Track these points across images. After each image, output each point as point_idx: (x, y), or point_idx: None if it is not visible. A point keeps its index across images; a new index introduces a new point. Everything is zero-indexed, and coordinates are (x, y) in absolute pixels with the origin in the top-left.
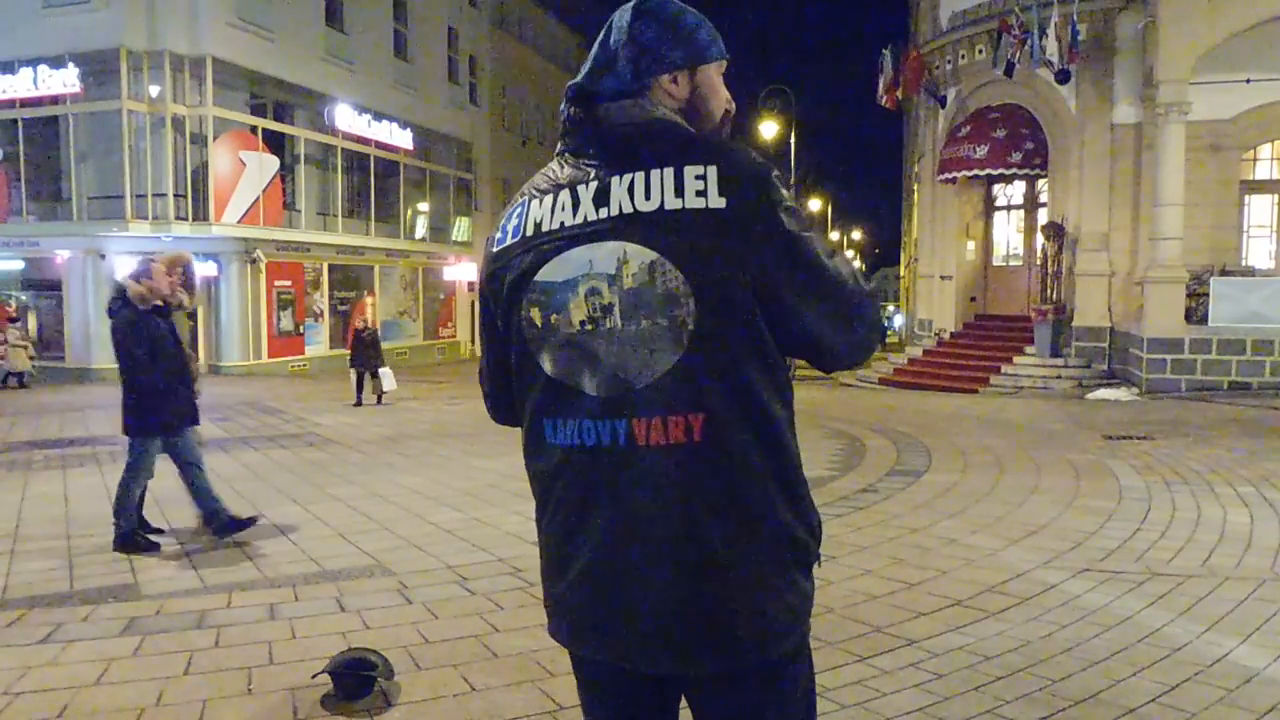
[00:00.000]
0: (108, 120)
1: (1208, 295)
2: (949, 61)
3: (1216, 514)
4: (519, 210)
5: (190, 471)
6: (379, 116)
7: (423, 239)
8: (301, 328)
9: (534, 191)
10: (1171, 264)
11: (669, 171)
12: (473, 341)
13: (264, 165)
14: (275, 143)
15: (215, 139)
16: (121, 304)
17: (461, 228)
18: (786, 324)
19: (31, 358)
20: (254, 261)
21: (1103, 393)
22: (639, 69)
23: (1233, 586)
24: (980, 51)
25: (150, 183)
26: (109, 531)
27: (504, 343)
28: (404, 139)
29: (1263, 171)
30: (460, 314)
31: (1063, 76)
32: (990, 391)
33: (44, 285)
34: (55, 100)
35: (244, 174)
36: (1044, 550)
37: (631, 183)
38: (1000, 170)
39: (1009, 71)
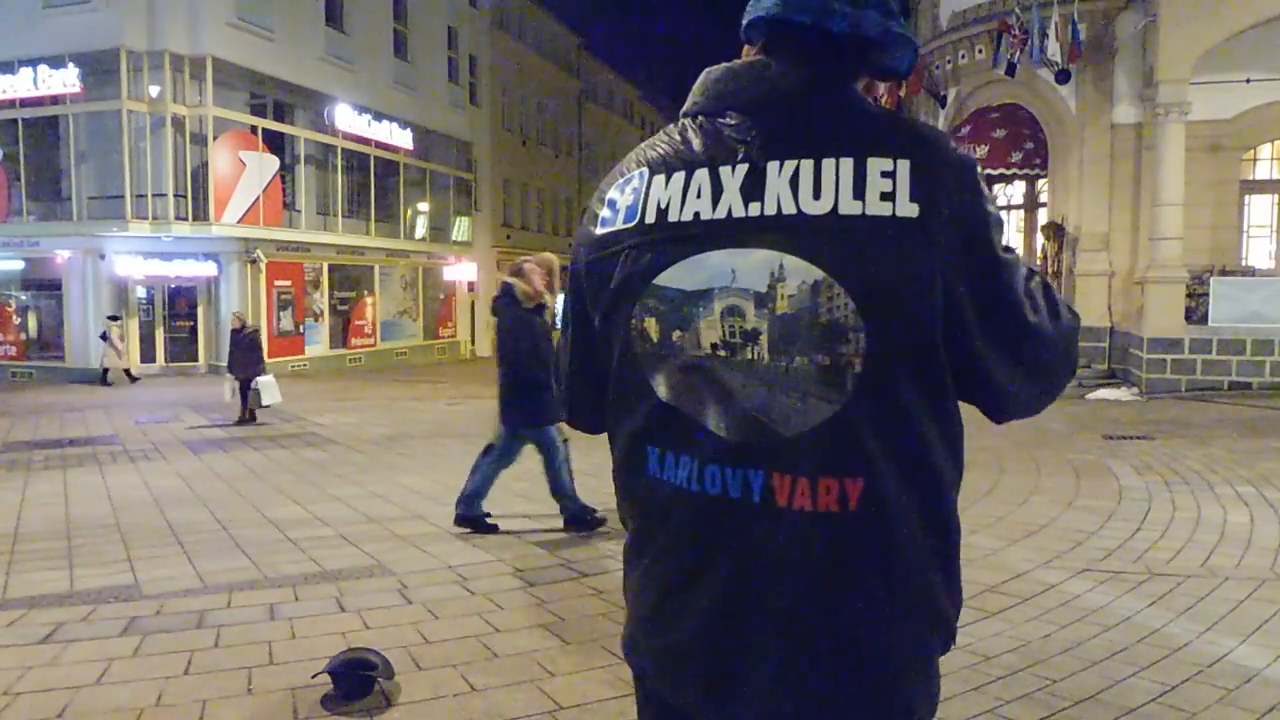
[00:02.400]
0: (108, 120)
1: (1208, 295)
2: (949, 61)
3: (1216, 514)
4: (634, 184)
5: (557, 464)
6: (379, 116)
7: (423, 239)
8: (301, 328)
9: (657, 163)
10: (1171, 264)
11: (847, 164)
12: (472, 341)
13: (264, 165)
14: (275, 143)
15: (215, 139)
16: (508, 301)
17: (461, 228)
18: (970, 367)
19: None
20: (254, 261)
21: (1103, 393)
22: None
23: (1233, 586)
24: (980, 51)
25: (150, 183)
26: (109, 531)
27: (597, 344)
28: (404, 139)
29: (1263, 171)
30: (460, 314)
31: (1063, 76)
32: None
33: (44, 285)
34: (55, 100)
35: (244, 174)
36: (1044, 550)
37: (796, 174)
38: (1000, 170)
39: (1010, 71)
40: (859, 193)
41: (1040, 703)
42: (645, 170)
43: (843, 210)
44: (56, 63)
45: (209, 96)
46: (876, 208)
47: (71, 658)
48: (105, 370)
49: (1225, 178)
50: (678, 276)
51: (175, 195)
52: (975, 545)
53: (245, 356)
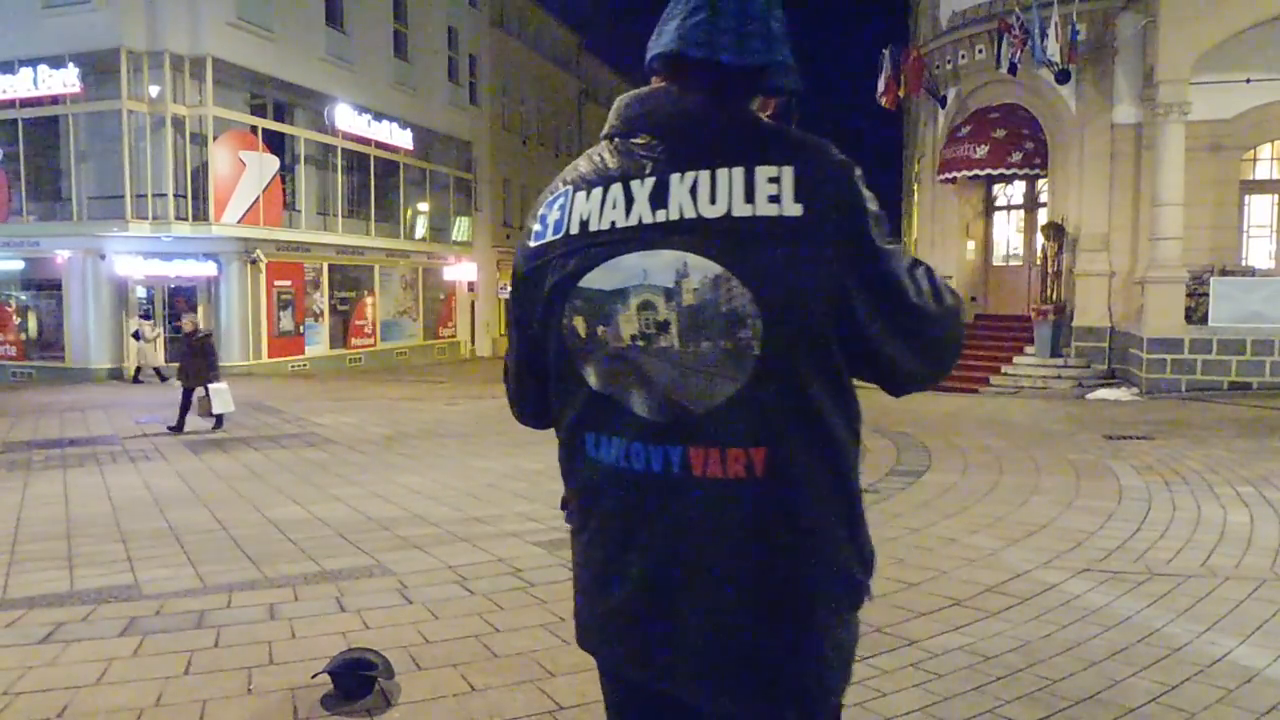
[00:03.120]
0: (108, 120)
1: (1208, 295)
2: (949, 61)
3: (1216, 514)
4: (560, 201)
5: None
6: (379, 116)
7: (423, 239)
8: (301, 328)
9: (579, 181)
10: (1171, 264)
11: (738, 172)
12: (472, 341)
13: (264, 165)
14: (275, 143)
15: (215, 139)
16: None
17: (461, 228)
18: (862, 349)
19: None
20: (254, 261)
21: (1103, 393)
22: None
23: (1233, 586)
24: (980, 51)
25: (150, 183)
26: (109, 531)
27: (538, 344)
28: (404, 139)
29: (1263, 171)
30: (460, 314)
31: (1063, 76)
32: (990, 391)
33: (44, 285)
34: (55, 100)
35: (244, 174)
36: (1044, 550)
37: (695, 183)
38: (1000, 170)
39: (1012, 70)
40: (749, 197)
41: (1040, 703)
42: (570, 188)
43: (736, 213)
44: (56, 63)
45: (209, 96)
46: (765, 209)
47: (71, 658)
48: (138, 369)
49: (1225, 178)
50: (599, 278)
51: (175, 195)
52: (975, 545)
53: (196, 362)
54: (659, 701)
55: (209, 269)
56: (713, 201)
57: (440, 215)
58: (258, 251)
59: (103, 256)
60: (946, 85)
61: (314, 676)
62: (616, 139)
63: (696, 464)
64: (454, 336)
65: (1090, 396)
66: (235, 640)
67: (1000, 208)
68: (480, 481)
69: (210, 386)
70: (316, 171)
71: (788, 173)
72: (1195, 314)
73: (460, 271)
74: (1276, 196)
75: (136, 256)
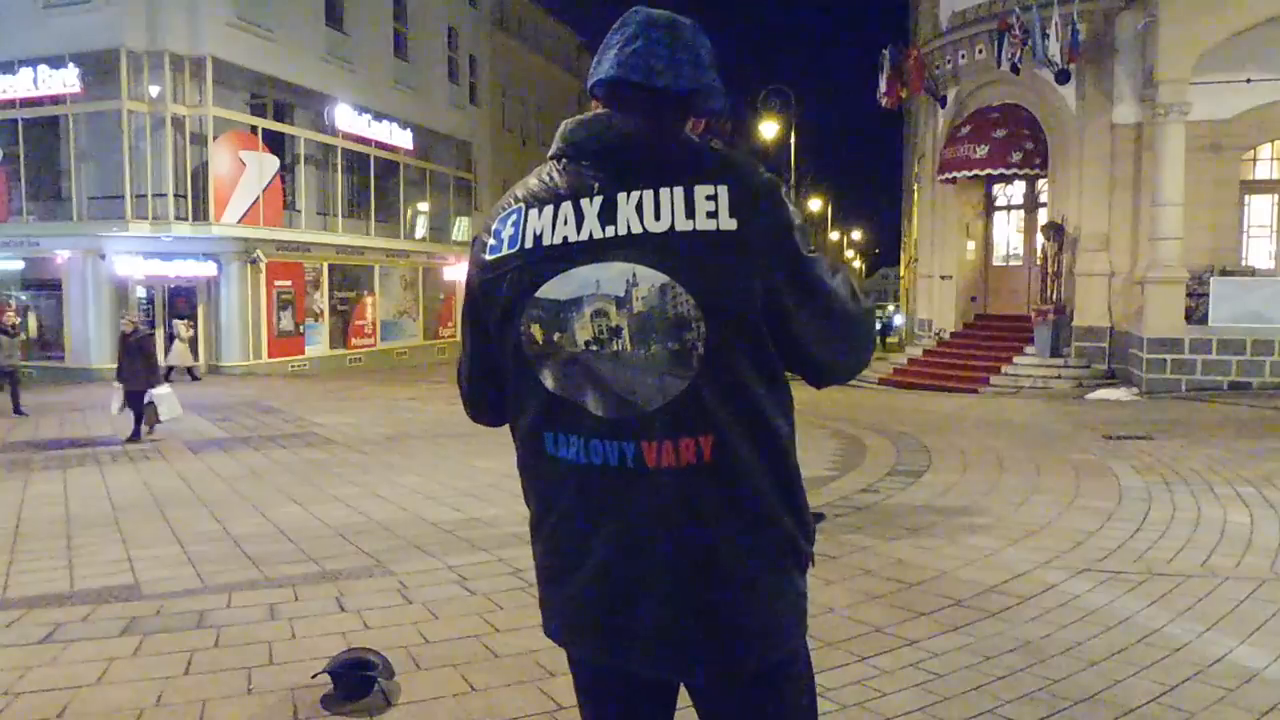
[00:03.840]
0: (108, 120)
1: (1208, 295)
2: (949, 61)
3: (1216, 514)
4: (514, 218)
5: None
6: (379, 116)
7: (423, 239)
8: (301, 328)
9: (530, 199)
10: (1171, 264)
11: (679, 191)
12: None
13: (264, 165)
14: (275, 143)
15: (215, 139)
16: None
17: (461, 228)
18: (791, 343)
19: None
20: (254, 261)
21: (1103, 393)
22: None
23: (1233, 586)
24: (980, 51)
25: (150, 183)
26: (109, 531)
27: (491, 349)
28: (404, 139)
29: (1263, 171)
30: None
31: (1063, 76)
32: (990, 391)
33: (44, 285)
34: (55, 100)
35: (244, 174)
36: (1044, 550)
37: (640, 201)
38: (1000, 170)
39: (1013, 70)
40: (690, 213)
41: (1040, 703)
42: (523, 205)
43: (678, 228)
44: (56, 63)
45: (209, 96)
46: (704, 224)
47: (71, 658)
48: (170, 369)
49: (1225, 178)
50: (554, 289)
51: (175, 195)
52: (975, 545)
53: (136, 364)
54: (625, 682)
55: (209, 269)
56: (657, 218)
57: (440, 215)
58: (258, 251)
59: (103, 256)
60: (946, 85)
61: (314, 676)
62: (564, 160)
63: (650, 456)
64: (454, 336)
65: (1090, 396)
66: (235, 640)
67: (1000, 208)
68: (480, 481)
69: (153, 393)
70: (316, 171)
71: (723, 191)
72: (1195, 314)
73: (460, 271)
74: (1276, 196)
75: (136, 256)
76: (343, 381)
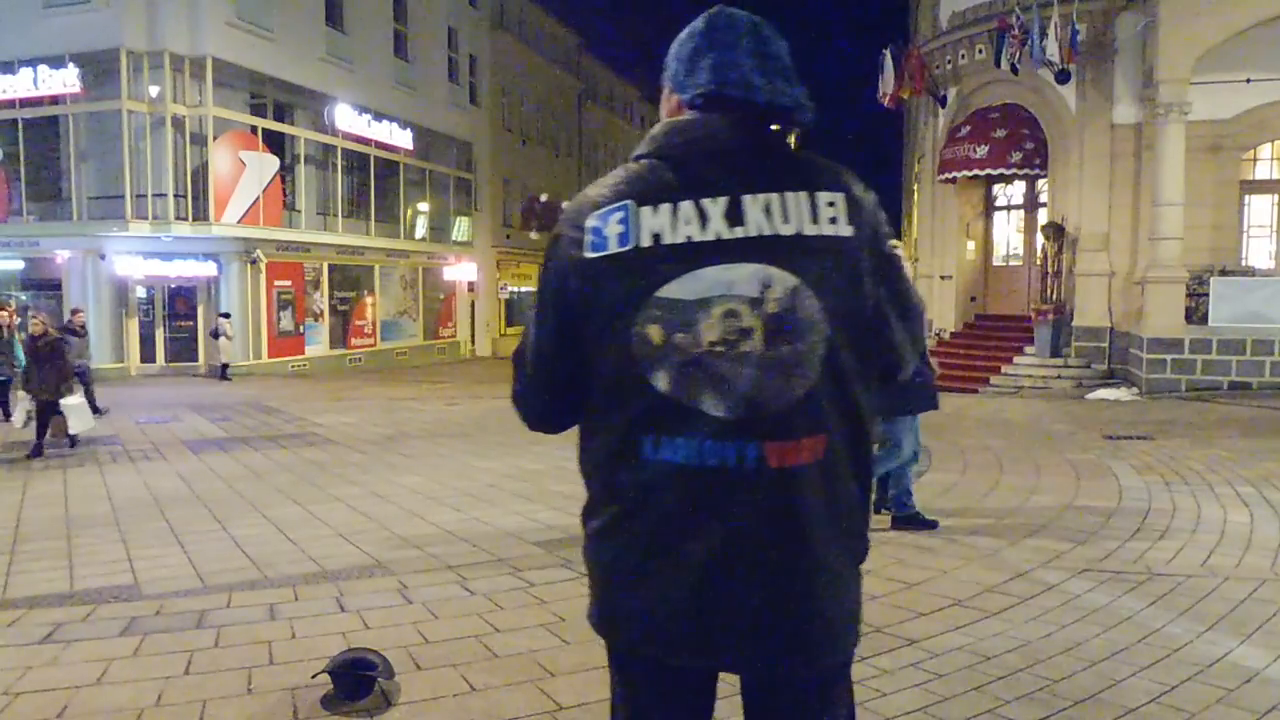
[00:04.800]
0: (108, 120)
1: (1208, 295)
2: (949, 61)
3: (1216, 514)
4: (619, 215)
5: (888, 455)
6: (379, 116)
7: (423, 239)
8: (301, 328)
9: (640, 195)
10: (1171, 264)
11: (803, 195)
12: (472, 341)
13: (264, 165)
14: (275, 143)
15: (215, 139)
16: None
17: (461, 228)
18: (882, 344)
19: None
20: (254, 261)
21: (1103, 393)
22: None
23: (1233, 586)
24: (980, 51)
25: (150, 183)
26: (109, 531)
27: (581, 353)
28: (404, 139)
29: (1263, 171)
30: (460, 314)
31: (1063, 77)
32: (990, 391)
33: (44, 285)
34: (55, 100)
35: (244, 174)
36: (1044, 550)
37: (767, 204)
38: (1000, 170)
39: (1013, 70)
40: (815, 218)
41: (1040, 703)
42: (630, 203)
43: (805, 231)
44: (56, 63)
45: (209, 96)
46: (827, 229)
47: (71, 658)
48: (224, 365)
49: (1225, 178)
50: (678, 289)
51: (175, 195)
52: (975, 545)
53: (46, 371)
54: (687, 679)
55: (209, 269)
56: (785, 220)
57: (440, 215)
58: (258, 251)
59: (103, 256)
60: (946, 85)
61: (314, 676)
62: (666, 160)
63: (772, 455)
64: (454, 336)
65: (1090, 396)
66: (235, 640)
67: (1000, 208)
68: (480, 481)
69: (63, 402)
70: (316, 171)
71: (840, 198)
72: (1195, 314)
73: (460, 271)
74: (1276, 196)
75: (136, 256)
76: (343, 381)
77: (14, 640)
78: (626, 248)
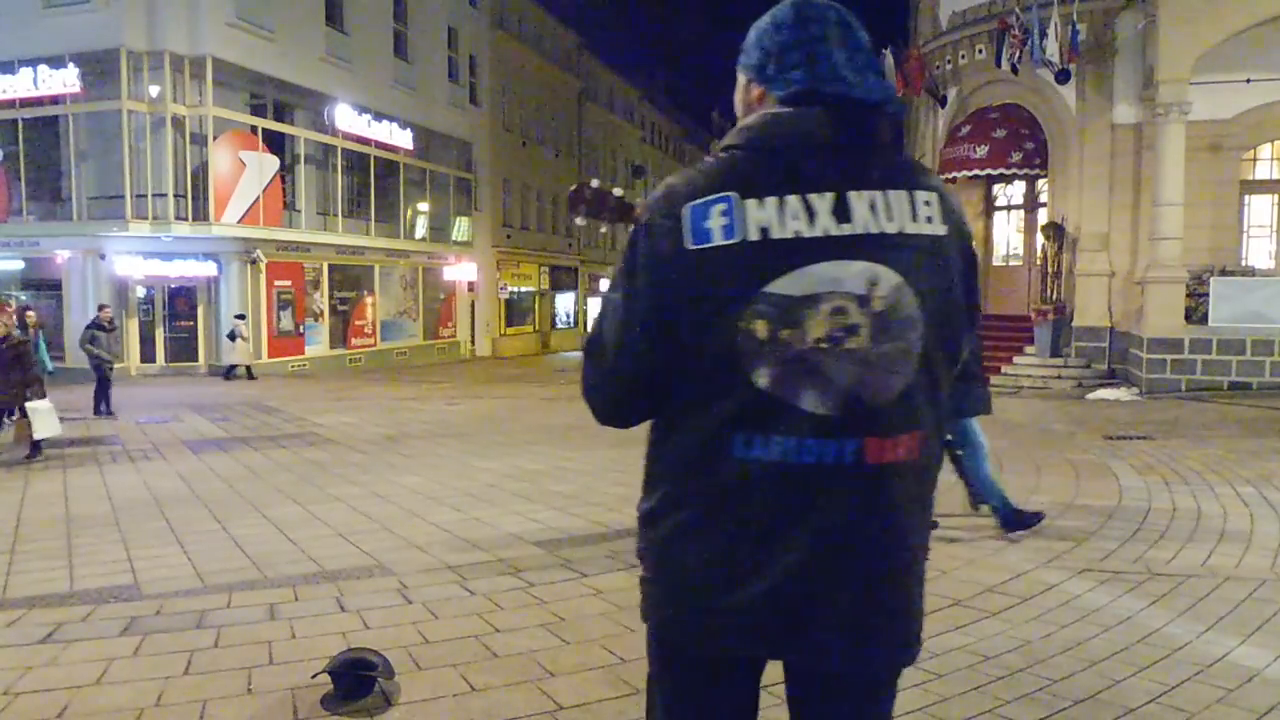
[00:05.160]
0: (108, 120)
1: (1208, 295)
2: (949, 61)
3: (1216, 514)
4: (722, 206)
5: (974, 454)
6: (379, 116)
7: (423, 239)
8: (301, 328)
9: (743, 188)
10: (1171, 264)
11: (903, 194)
12: (472, 341)
13: (264, 165)
14: (275, 143)
15: (215, 139)
16: None
17: (461, 228)
18: (958, 342)
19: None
20: (254, 261)
21: (1103, 393)
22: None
23: (1233, 586)
24: (980, 51)
25: (150, 183)
26: (109, 531)
27: (673, 345)
28: (404, 139)
29: (1263, 171)
30: (460, 314)
31: (1063, 76)
32: (990, 391)
33: (44, 285)
34: (55, 100)
35: (244, 174)
36: (1044, 550)
37: (872, 201)
38: (1000, 170)
39: (1013, 70)
40: (915, 216)
41: (1040, 703)
42: (733, 195)
43: (907, 230)
44: (56, 63)
45: (209, 96)
46: (925, 228)
47: (71, 658)
48: (232, 366)
49: (1225, 178)
50: (786, 284)
51: (175, 195)
52: (975, 545)
53: (9, 375)
54: (743, 676)
55: (209, 269)
56: (889, 219)
57: (440, 215)
58: (258, 251)
59: (103, 256)
60: (946, 85)
61: (314, 676)
62: (764, 153)
63: (871, 452)
64: (454, 336)
65: (1090, 396)
66: (235, 640)
67: (1000, 208)
68: (480, 481)
69: (29, 405)
70: (316, 171)
71: (935, 197)
72: (1195, 314)
73: (460, 271)
74: (1276, 196)
75: (136, 256)
76: (342, 381)
77: (14, 640)
78: (732, 240)
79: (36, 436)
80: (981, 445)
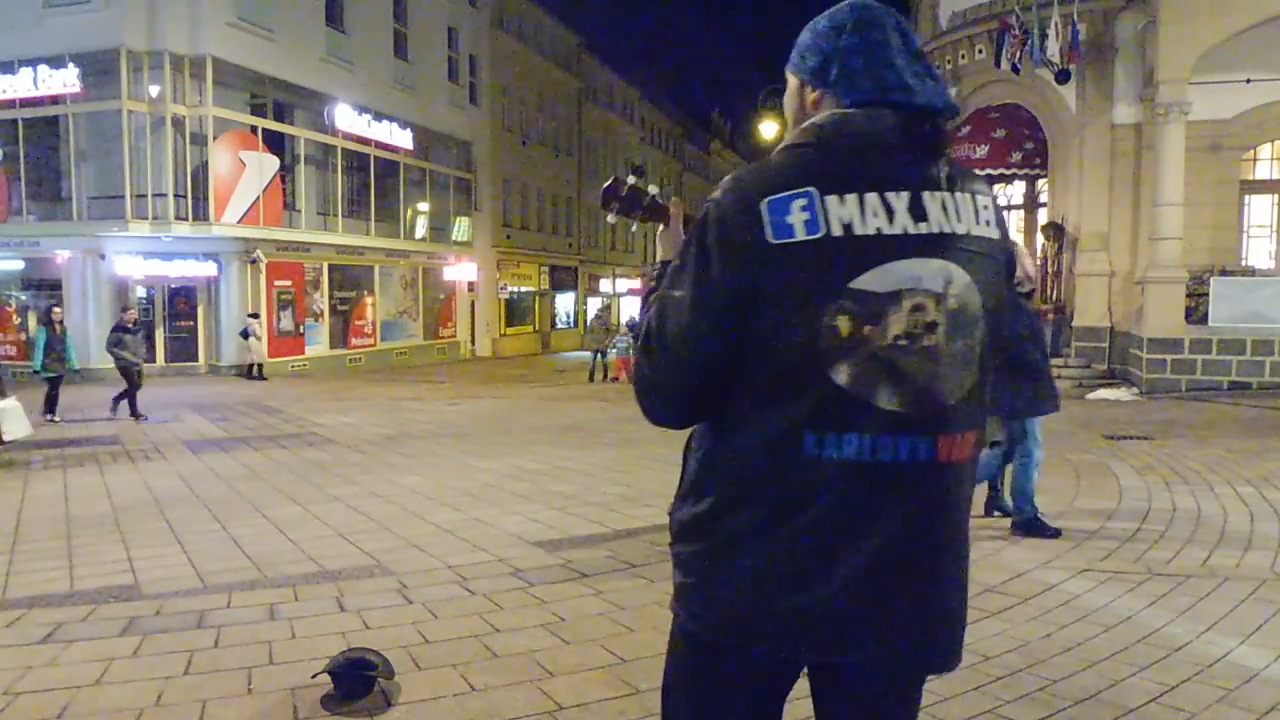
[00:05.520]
0: (108, 120)
1: (1208, 295)
2: (949, 61)
3: (1216, 514)
4: (803, 201)
5: (1023, 458)
6: (379, 116)
7: (423, 239)
8: (301, 328)
9: (826, 184)
10: (1171, 264)
11: (967, 196)
12: (472, 341)
13: (264, 165)
14: (275, 143)
15: (215, 139)
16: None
17: (461, 228)
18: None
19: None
20: (254, 261)
21: (1103, 393)
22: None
23: (1233, 586)
24: (980, 51)
25: (150, 183)
26: (109, 531)
27: (747, 341)
28: (404, 139)
29: (1263, 171)
30: (460, 314)
31: (1063, 76)
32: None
33: (44, 285)
34: (55, 100)
35: (244, 174)
36: (1044, 550)
37: (944, 202)
38: (1000, 170)
39: (1014, 70)
40: (977, 219)
41: (1040, 703)
42: (814, 190)
43: (973, 232)
44: (56, 63)
45: (209, 96)
46: (985, 231)
47: (71, 658)
48: (250, 365)
49: (1225, 178)
50: (870, 280)
51: (175, 195)
52: (975, 545)
53: None
54: (781, 678)
55: (209, 269)
56: (958, 219)
57: (440, 215)
58: (258, 251)
59: (103, 256)
60: (946, 85)
61: (314, 676)
62: (835, 152)
63: (944, 450)
64: (454, 336)
65: (1090, 396)
66: (235, 640)
67: (1000, 208)
68: (480, 481)
69: None
70: (316, 171)
71: (990, 202)
72: (1195, 314)
73: (460, 271)
74: (1276, 196)
75: (136, 256)
76: (343, 381)
77: (14, 640)
78: (817, 235)
79: (7, 438)
80: (1035, 453)
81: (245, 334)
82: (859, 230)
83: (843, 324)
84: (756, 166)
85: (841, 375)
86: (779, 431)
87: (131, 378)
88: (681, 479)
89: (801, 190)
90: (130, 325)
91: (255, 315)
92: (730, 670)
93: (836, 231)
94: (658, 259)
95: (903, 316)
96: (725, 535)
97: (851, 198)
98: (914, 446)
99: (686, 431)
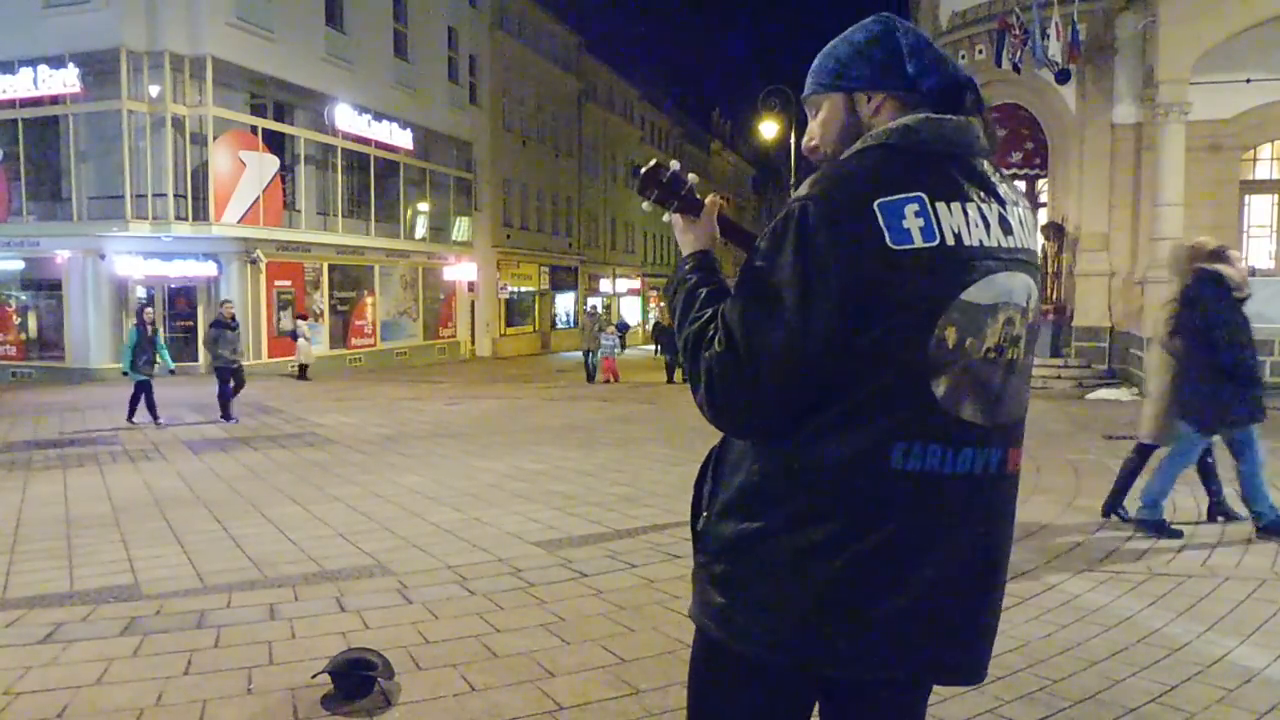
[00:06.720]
0: (108, 120)
1: None
2: None
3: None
4: (915, 207)
5: (1250, 466)
6: (379, 116)
7: (423, 239)
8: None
9: (935, 191)
10: None
11: (1026, 210)
12: (472, 341)
13: (264, 165)
14: (275, 143)
15: (215, 139)
16: (1222, 289)
17: (461, 228)
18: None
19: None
20: (254, 261)
21: (1103, 393)
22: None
23: (1233, 586)
24: (980, 51)
25: (150, 183)
26: (109, 531)
27: (851, 352)
28: (404, 139)
29: (1263, 171)
30: (460, 314)
31: (1063, 76)
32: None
33: (44, 285)
34: (55, 100)
35: (244, 174)
36: (1044, 550)
37: (1021, 218)
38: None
39: (1015, 70)
40: (1032, 233)
41: (1040, 703)
42: (924, 196)
43: (1030, 246)
44: (56, 63)
45: (209, 96)
46: (1034, 244)
47: (71, 658)
48: (303, 366)
49: (1225, 178)
50: (978, 293)
51: (175, 195)
52: None
53: None
54: (811, 689)
55: (209, 269)
56: (1027, 234)
57: (440, 215)
58: (258, 251)
59: (103, 256)
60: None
61: (314, 676)
62: (929, 157)
63: (1011, 461)
64: (454, 336)
65: (1090, 396)
66: (235, 640)
67: None
68: (480, 481)
69: None
70: (316, 171)
71: (1031, 215)
72: None
73: (460, 271)
74: (1276, 196)
75: (136, 256)
76: (343, 381)
77: (14, 640)
78: (933, 243)
79: None
80: (1257, 451)
81: (294, 335)
82: (966, 241)
83: (950, 335)
84: (854, 165)
85: (940, 387)
86: (868, 442)
87: (227, 378)
88: (714, 494)
89: (912, 195)
90: (229, 320)
91: (303, 317)
92: (772, 690)
93: (950, 241)
94: (685, 253)
95: (997, 330)
96: (790, 551)
97: (956, 206)
98: (988, 459)
99: (689, 433)
